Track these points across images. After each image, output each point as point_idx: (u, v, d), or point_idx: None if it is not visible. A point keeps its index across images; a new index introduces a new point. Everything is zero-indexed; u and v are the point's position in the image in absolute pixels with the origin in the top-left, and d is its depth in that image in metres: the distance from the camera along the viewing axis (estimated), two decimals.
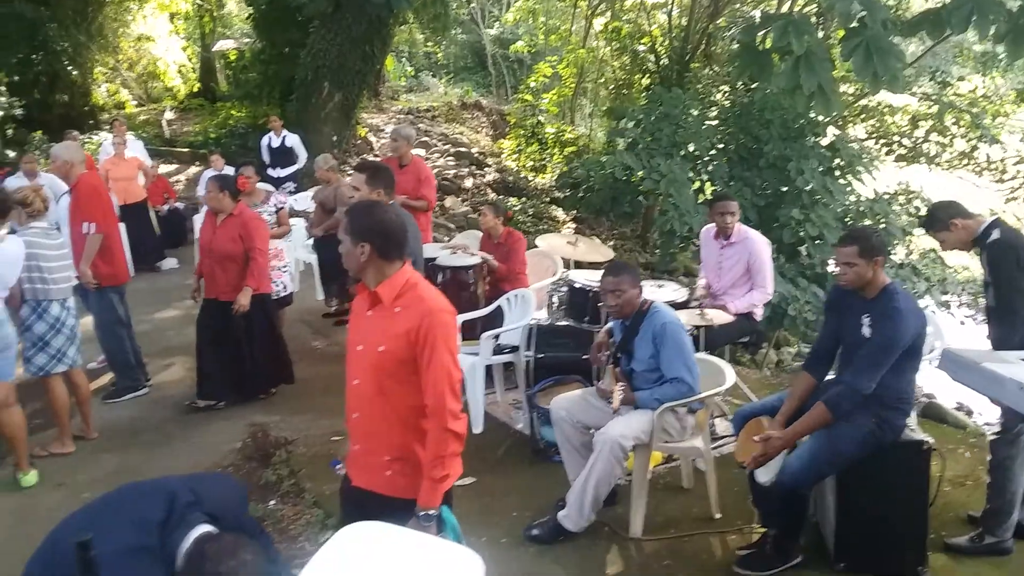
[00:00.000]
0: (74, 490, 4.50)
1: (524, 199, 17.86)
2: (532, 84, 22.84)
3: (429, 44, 29.45)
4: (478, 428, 5.08)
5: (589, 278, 5.36)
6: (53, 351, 4.80)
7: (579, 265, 6.20)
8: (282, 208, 6.61)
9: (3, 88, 14.83)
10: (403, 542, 2.25)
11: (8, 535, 4.12)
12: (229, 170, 9.73)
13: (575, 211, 16.37)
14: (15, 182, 7.69)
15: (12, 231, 6.07)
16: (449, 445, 2.56)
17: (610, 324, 4.33)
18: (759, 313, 5.31)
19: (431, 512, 2.57)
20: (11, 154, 14.17)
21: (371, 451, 2.72)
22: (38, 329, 4.75)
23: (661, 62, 19.35)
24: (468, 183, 18.39)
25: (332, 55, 12.43)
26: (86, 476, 4.66)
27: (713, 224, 5.35)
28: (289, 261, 6.72)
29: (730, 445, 4.62)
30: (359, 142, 18.17)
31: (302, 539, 3.94)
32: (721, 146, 11.65)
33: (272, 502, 4.33)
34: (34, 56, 14.85)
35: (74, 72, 16.88)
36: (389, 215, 2.70)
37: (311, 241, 7.67)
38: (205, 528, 2.42)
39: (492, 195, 18.06)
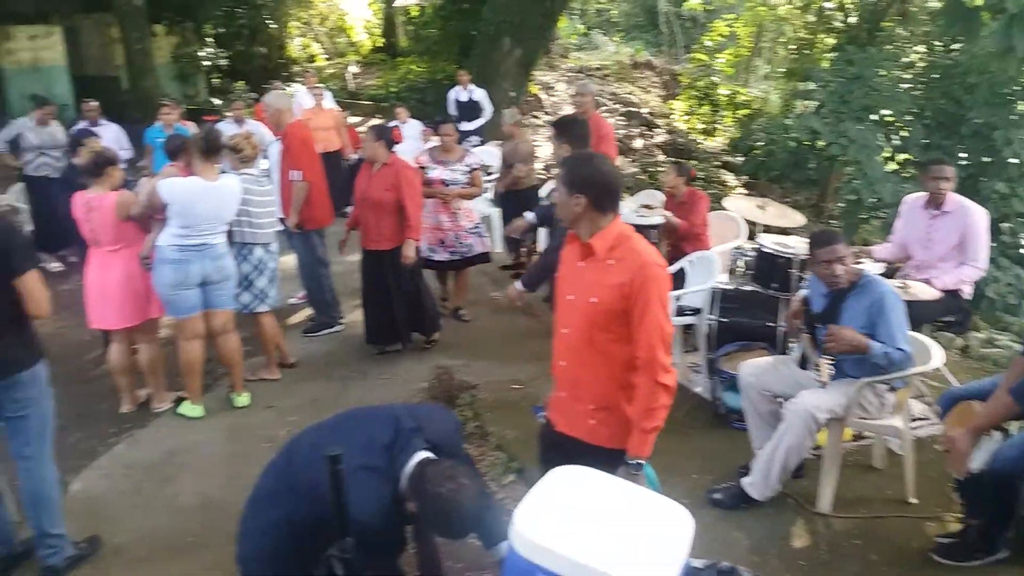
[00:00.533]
0: (281, 412, 4.90)
1: (694, 162, 17.41)
2: (707, 43, 22.05)
3: (601, 1, 29.00)
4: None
5: (779, 243, 5.18)
6: (256, 291, 5.18)
7: (767, 230, 5.99)
8: (476, 169, 6.25)
9: (211, 39, 15.95)
10: (614, 489, 2.30)
11: (225, 449, 4.55)
12: (415, 124, 10.13)
13: (747, 176, 15.81)
14: (225, 127, 8.31)
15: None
16: (660, 398, 2.60)
17: (804, 292, 4.16)
18: (967, 291, 4.96)
19: (640, 460, 2.64)
20: (216, 102, 15.31)
21: (576, 399, 2.79)
22: (243, 269, 5.12)
23: (849, 20, 18.15)
24: (637, 144, 18.14)
25: (513, 10, 12.49)
26: (291, 401, 5.05)
27: (920, 193, 5.02)
28: (480, 222, 6.42)
29: (929, 428, 4.38)
30: (530, 99, 18.29)
31: (486, 479, 4.10)
32: (916, 111, 10.87)
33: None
34: (238, 10, 15.86)
35: (272, 26, 17.91)
36: (605, 166, 2.71)
37: (491, 195, 7.82)
38: (426, 454, 2.57)
39: (661, 156, 17.74)
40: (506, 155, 7.29)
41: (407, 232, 5.37)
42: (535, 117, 19.07)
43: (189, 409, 4.89)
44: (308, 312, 6.37)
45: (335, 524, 2.13)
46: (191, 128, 8.18)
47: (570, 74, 23.58)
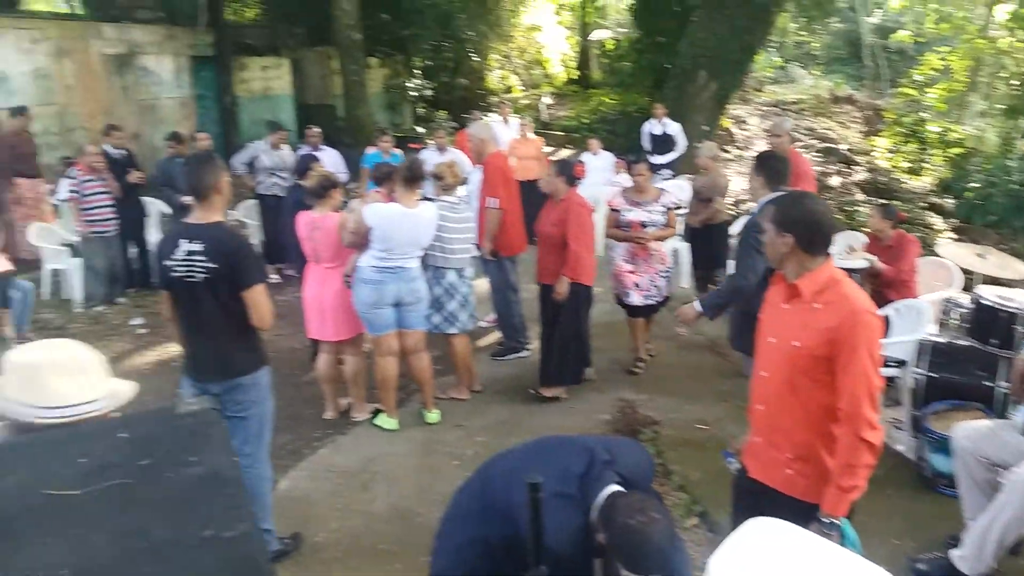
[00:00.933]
0: (469, 432, 5.09)
1: (896, 202, 16.38)
2: (918, 77, 20.75)
3: (801, 33, 28.06)
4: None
5: (1002, 296, 4.79)
6: (446, 313, 5.42)
7: (987, 281, 5.56)
8: (672, 208, 5.94)
9: (418, 72, 16.95)
10: (816, 547, 2.22)
11: (416, 462, 4.79)
12: (606, 155, 10.25)
13: (959, 220, 14.67)
14: (428, 155, 8.81)
15: (425, 199, 6.95)
16: (862, 456, 2.46)
17: None
18: None
19: (834, 520, 2.51)
20: (420, 130, 16.23)
21: (773, 445, 2.70)
22: (435, 292, 5.37)
23: None
24: (834, 181, 17.34)
25: (711, 44, 12.39)
26: (479, 422, 5.24)
27: None
28: (671, 264, 6.15)
29: None
30: (721, 132, 17.98)
31: None
32: None
33: None
34: (445, 44, 16.77)
35: (474, 58, 18.78)
36: (817, 206, 2.63)
37: (682, 230, 7.75)
38: (617, 487, 2.59)
39: (860, 195, 16.85)
40: (702, 189, 7.22)
41: (563, 268, 5.30)
42: (725, 151, 18.71)
43: (385, 421, 5.19)
44: (497, 336, 6.57)
45: (529, 548, 2.20)
46: (400, 155, 8.76)
47: (764, 108, 22.98)
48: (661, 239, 5.89)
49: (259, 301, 3.43)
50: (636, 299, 5.87)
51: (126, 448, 0.81)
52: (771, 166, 4.32)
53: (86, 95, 11.43)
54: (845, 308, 2.48)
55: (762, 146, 15.36)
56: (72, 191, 7.28)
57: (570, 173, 5.41)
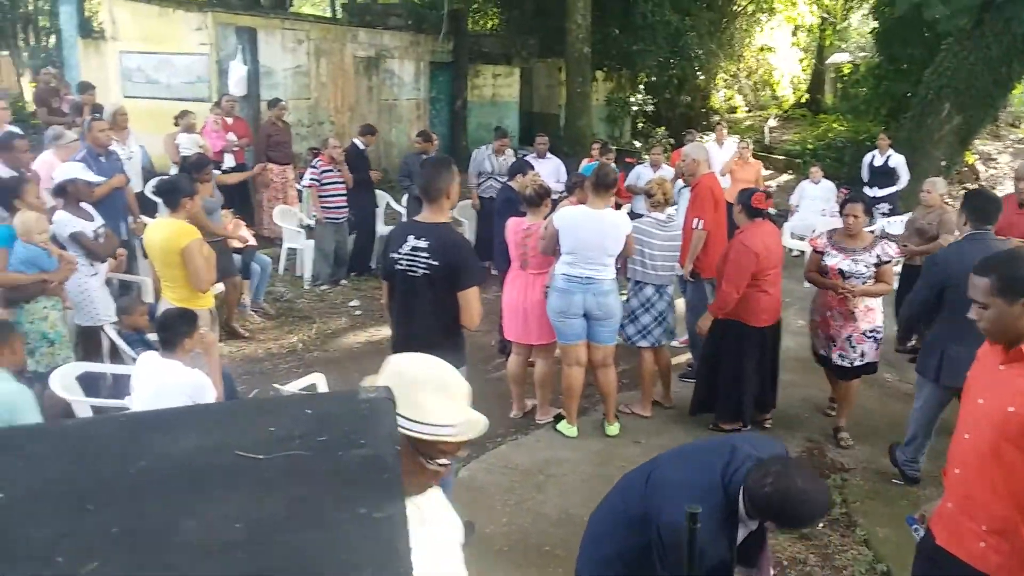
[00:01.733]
0: (647, 449, 5.09)
1: None
2: None
3: None
4: None
5: None
6: (640, 326, 5.45)
7: None
8: (887, 262, 5.00)
9: (641, 87, 17.03)
10: None
11: (590, 470, 4.87)
12: (827, 184, 9.83)
13: None
14: (642, 171, 8.88)
15: (630, 212, 6.99)
16: None
17: None
18: None
19: None
20: (637, 144, 16.31)
21: (967, 514, 2.49)
22: (632, 304, 5.44)
23: None
24: None
25: (961, 75, 11.47)
26: (658, 440, 5.23)
27: None
28: (881, 326, 5.15)
29: None
30: (964, 169, 16.54)
31: (846, 572, 3.88)
32: None
33: (821, 524, 4.32)
34: (672, 60, 16.74)
35: (701, 77, 18.59)
36: None
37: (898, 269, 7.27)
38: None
39: None
40: (923, 226, 6.71)
41: (711, 305, 5.24)
42: (967, 189, 17.21)
43: (566, 427, 5.33)
44: (688, 357, 6.52)
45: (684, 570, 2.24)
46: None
47: (1018, 146, 20.86)
48: (871, 295, 4.99)
49: (472, 302, 3.59)
50: (832, 354, 5.15)
51: (309, 423, 0.96)
52: (977, 205, 4.32)
53: (336, 92, 12.58)
54: None
55: (1010, 186, 13.98)
56: (313, 179, 8.06)
57: (748, 203, 5.07)
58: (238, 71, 10.49)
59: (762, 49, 23.24)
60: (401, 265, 3.60)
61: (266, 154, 9.46)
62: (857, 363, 5.08)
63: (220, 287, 6.18)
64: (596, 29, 15.31)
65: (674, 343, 6.72)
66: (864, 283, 4.94)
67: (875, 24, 16.89)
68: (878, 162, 10.22)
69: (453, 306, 3.60)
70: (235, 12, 11.58)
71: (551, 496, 4.55)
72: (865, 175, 10.31)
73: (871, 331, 5.04)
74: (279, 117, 9.70)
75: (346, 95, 12.76)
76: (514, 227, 5.29)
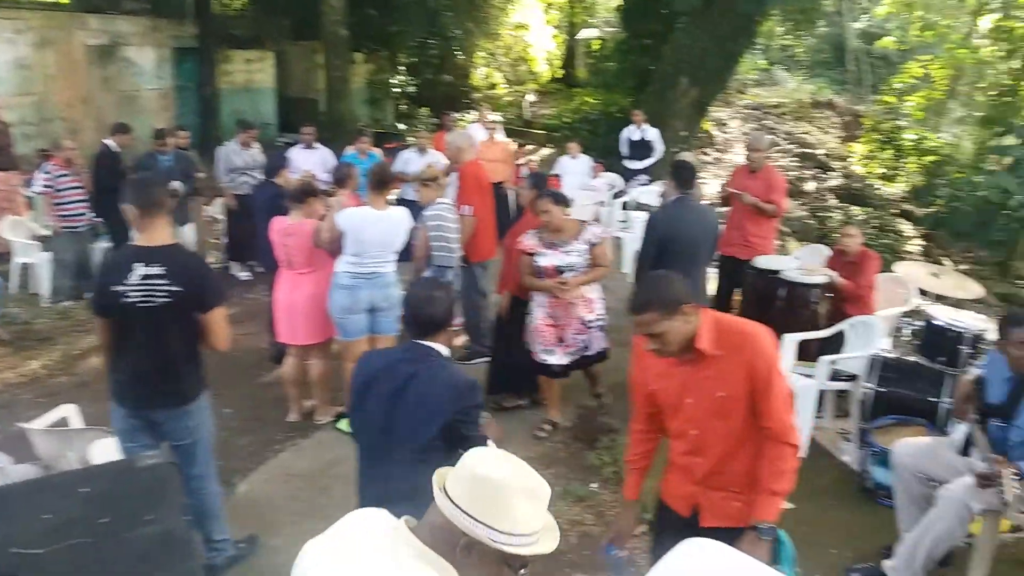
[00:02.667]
0: None
1: (869, 209, 16.69)
2: (897, 85, 21.05)
3: (787, 37, 28.30)
4: (802, 452, 4.99)
5: (953, 318, 5.00)
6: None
7: (940, 300, 5.77)
8: (598, 243, 4.92)
9: (403, 68, 16.99)
10: (748, 566, 2.22)
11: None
12: (584, 159, 10.43)
13: (926, 230, 14.99)
14: (409, 156, 8.91)
15: (399, 201, 7.05)
16: (789, 460, 2.59)
17: (978, 372, 3.98)
18: None
19: (771, 526, 2.58)
20: (401, 126, 16.29)
21: (718, 488, 2.72)
22: None
23: None
24: (809, 186, 17.61)
25: (695, 51, 12.54)
26: None
27: None
28: (605, 314, 5.15)
29: None
30: (701, 135, 18.17)
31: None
32: None
33: (594, 484, 4.66)
34: (430, 40, 16.82)
35: (460, 56, 18.84)
36: (674, 284, 2.57)
37: None
38: None
39: (834, 200, 17.12)
40: (714, 218, 7.34)
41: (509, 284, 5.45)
42: (705, 154, 18.92)
43: (347, 425, 5.29)
44: (464, 339, 6.70)
45: None
46: (378, 155, 8.86)
47: (746, 111, 23.22)
48: (586, 283, 4.94)
49: (219, 323, 3.41)
50: (559, 359, 5.05)
51: (88, 505, 0.93)
52: (679, 174, 5.43)
53: (66, 85, 11.44)
54: (745, 341, 2.56)
55: (741, 150, 15.57)
56: (46, 185, 7.33)
57: (543, 187, 5.34)
58: None
59: (517, 27, 23.96)
60: (131, 297, 3.23)
61: None
62: (587, 354, 5.11)
63: None
64: (352, 10, 15.01)
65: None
66: (582, 272, 4.90)
67: (619, 1, 17.96)
68: (635, 136, 10.97)
69: (197, 332, 3.41)
70: None
71: (337, 498, 4.46)
72: (624, 149, 11.04)
73: (593, 320, 5.04)
74: None
75: (78, 88, 11.65)
76: (277, 226, 5.17)
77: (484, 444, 2.67)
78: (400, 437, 2.66)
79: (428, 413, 2.64)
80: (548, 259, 4.88)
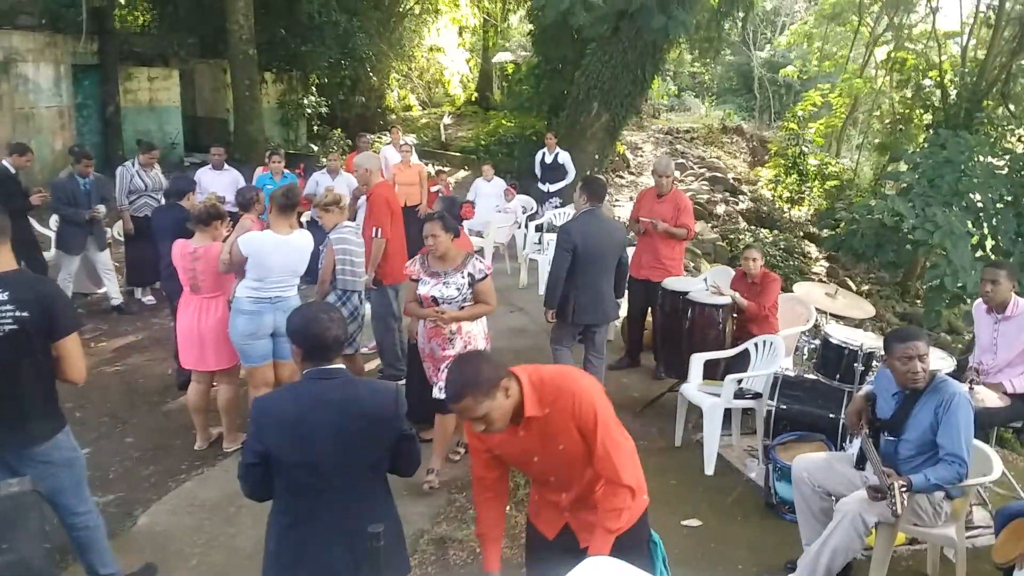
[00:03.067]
0: None
1: (776, 231, 17.32)
2: (799, 112, 22.01)
3: (696, 65, 29.27)
4: (710, 470, 5.10)
5: (848, 336, 5.17)
6: (347, 335, 5.45)
7: (836, 318, 5.98)
8: (481, 279, 4.58)
9: (314, 88, 16.78)
10: None
11: None
12: (499, 181, 10.44)
13: (829, 251, 15.63)
14: (320, 178, 8.77)
15: (301, 226, 6.93)
16: (625, 499, 2.64)
17: (868, 388, 4.12)
18: None
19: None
20: (314, 148, 16.05)
21: (588, 512, 2.80)
22: (342, 313, 5.40)
23: (948, 99, 17.92)
24: (720, 209, 18.14)
25: (605, 77, 12.79)
26: None
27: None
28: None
29: (987, 538, 4.28)
30: (616, 158, 18.53)
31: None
32: (1010, 199, 10.62)
33: (508, 507, 4.62)
34: (343, 62, 16.68)
35: (373, 77, 18.75)
36: (484, 364, 2.53)
37: None
38: None
39: (743, 223, 17.69)
40: (622, 230, 7.43)
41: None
42: (620, 177, 19.31)
43: None
44: (377, 363, 6.61)
45: None
46: (292, 176, 8.70)
47: (659, 135, 23.82)
48: (460, 319, 4.60)
49: (73, 351, 3.17)
50: (438, 391, 4.70)
51: None
52: (590, 189, 5.68)
53: None
54: (563, 395, 2.59)
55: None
56: None
57: (456, 214, 5.27)
58: None
59: (431, 49, 24.06)
60: None
61: None
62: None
63: None
64: (261, 29, 14.79)
65: (363, 350, 6.79)
66: (461, 307, 4.59)
67: (531, 27, 18.25)
68: (548, 159, 11.12)
69: (48, 364, 3.14)
70: None
71: (245, 527, 4.36)
72: (538, 171, 11.17)
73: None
74: None
75: None
76: (181, 250, 4.99)
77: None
78: (351, 461, 2.60)
79: (382, 428, 2.64)
80: (427, 287, 4.61)
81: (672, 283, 6.24)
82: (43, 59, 12.39)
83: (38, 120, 12.35)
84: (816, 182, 19.92)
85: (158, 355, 6.70)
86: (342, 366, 2.71)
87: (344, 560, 2.61)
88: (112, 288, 8.02)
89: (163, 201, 7.01)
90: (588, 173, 11.04)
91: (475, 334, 4.71)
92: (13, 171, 7.32)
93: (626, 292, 6.56)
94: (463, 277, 4.56)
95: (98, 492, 4.69)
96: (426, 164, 14.84)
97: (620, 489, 2.63)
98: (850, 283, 15.40)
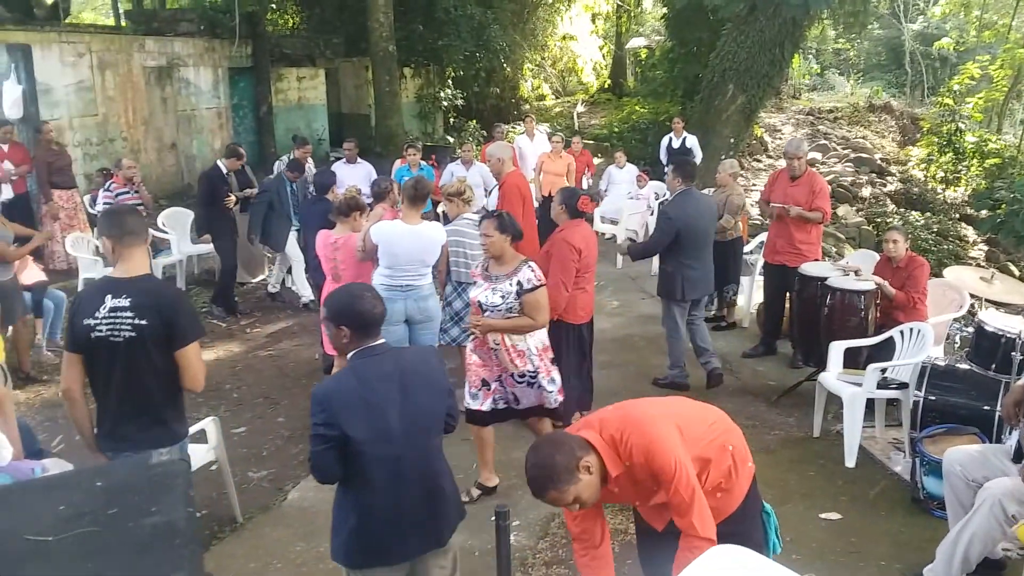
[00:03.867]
0: (474, 446, 5.21)
1: (929, 214, 16.30)
2: (955, 87, 20.56)
3: (840, 41, 27.87)
4: (851, 462, 4.91)
5: (1005, 323, 4.85)
6: (465, 325, 5.56)
7: (993, 304, 5.62)
8: (530, 290, 4.16)
9: (450, 81, 17.18)
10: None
11: None
12: (631, 168, 10.41)
13: (987, 234, 14.55)
14: (455, 169, 9.02)
15: (437, 217, 7.14)
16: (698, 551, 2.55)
17: None
18: None
19: None
20: (450, 139, 16.46)
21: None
22: (456, 305, 5.56)
23: None
24: (866, 191, 17.27)
25: (741, 57, 12.45)
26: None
27: None
28: (534, 369, 4.31)
29: None
30: (753, 142, 17.97)
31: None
32: None
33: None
34: (478, 54, 16.99)
35: (507, 68, 19.00)
36: (558, 453, 2.54)
37: None
38: None
39: (892, 206, 16.75)
40: (716, 205, 7.30)
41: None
42: (757, 160, 18.72)
43: None
44: None
45: None
46: (430, 168, 9.00)
47: (799, 116, 22.88)
48: (495, 330, 4.21)
49: (193, 361, 3.12)
50: (481, 402, 4.38)
51: (100, 497, 0.98)
52: (681, 171, 5.99)
53: (126, 106, 11.86)
54: (635, 452, 2.56)
55: None
56: (107, 203, 7.60)
57: (573, 204, 5.00)
58: (12, 92, 9.64)
59: (564, 38, 24.08)
60: (101, 331, 3.00)
61: (49, 181, 8.78)
62: (516, 407, 4.41)
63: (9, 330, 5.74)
64: (400, 26, 15.28)
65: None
66: (505, 316, 4.19)
67: (665, 10, 17.94)
68: (675, 144, 10.97)
69: (171, 370, 3.12)
70: (3, 27, 10.64)
71: None
72: (664, 157, 11.04)
73: (523, 376, 4.28)
74: (49, 141, 8.97)
75: (138, 108, 12.05)
76: (323, 240, 5.27)
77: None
78: (419, 425, 2.75)
79: (437, 388, 2.83)
80: (477, 291, 4.33)
81: (809, 268, 6.03)
82: (202, 63, 13.31)
83: (199, 121, 13.29)
84: (974, 160, 18.57)
85: (306, 341, 7.11)
86: (383, 340, 2.82)
87: (428, 513, 2.80)
88: (275, 277, 8.56)
89: (313, 195, 7.44)
90: (722, 158, 10.77)
91: (525, 349, 4.25)
92: (225, 171, 7.97)
93: (761, 278, 6.41)
94: (511, 285, 4.17)
95: (253, 468, 5.07)
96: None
97: (698, 542, 2.57)
98: (1012, 268, 14.29)
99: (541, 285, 4.23)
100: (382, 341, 2.81)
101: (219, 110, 13.71)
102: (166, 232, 8.67)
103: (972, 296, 5.79)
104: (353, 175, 8.60)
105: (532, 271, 4.22)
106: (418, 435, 2.74)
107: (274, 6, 16.80)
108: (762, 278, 7.04)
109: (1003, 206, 11.18)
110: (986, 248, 15.43)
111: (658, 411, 2.73)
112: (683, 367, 6.11)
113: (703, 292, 6.08)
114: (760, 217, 10.90)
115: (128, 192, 7.66)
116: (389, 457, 2.68)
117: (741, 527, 2.74)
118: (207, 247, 8.28)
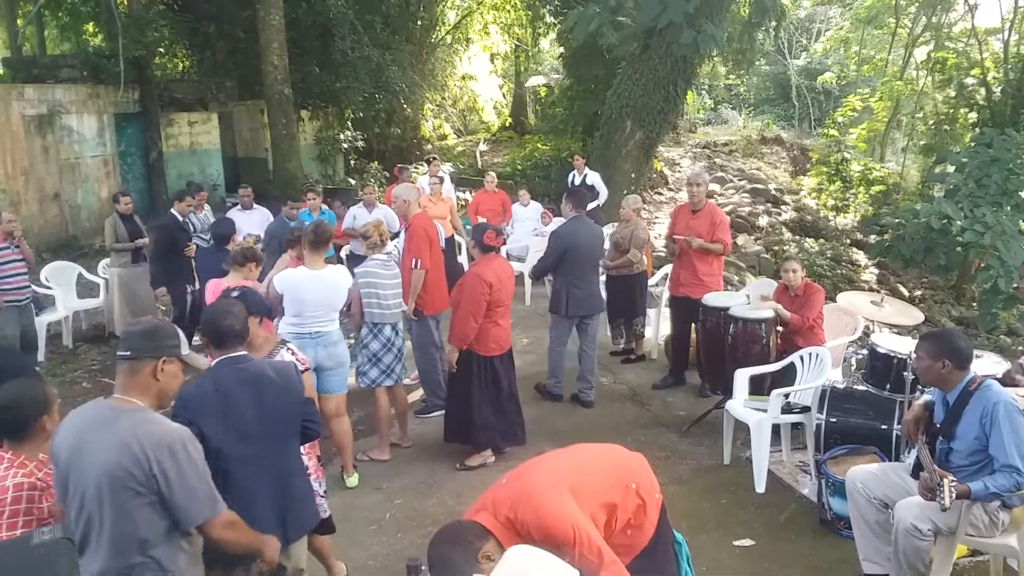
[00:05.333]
0: (388, 494, 5.08)
1: (823, 240, 17.00)
2: (839, 118, 21.67)
3: (731, 77, 29.07)
4: (760, 488, 4.96)
5: (895, 345, 5.02)
6: (384, 367, 5.46)
7: (887, 326, 5.81)
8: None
9: (349, 123, 17.02)
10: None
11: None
12: (535, 206, 10.46)
13: (876, 258, 15.28)
14: (357, 212, 8.85)
15: (340, 261, 6.97)
16: None
17: (929, 397, 3.97)
18: None
19: None
20: (352, 181, 16.26)
21: None
22: (373, 347, 5.43)
23: (993, 96, 17.47)
24: (763, 221, 17.89)
25: (636, 94, 12.73)
26: (399, 482, 5.23)
27: None
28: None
29: None
30: (654, 175, 18.42)
31: None
32: None
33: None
34: (377, 95, 16.91)
35: (407, 109, 18.97)
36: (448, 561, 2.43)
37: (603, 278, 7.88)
38: None
39: (788, 234, 17.40)
40: (619, 239, 7.39)
41: (449, 336, 5.38)
42: (659, 193, 19.20)
43: (355, 480, 5.21)
44: (421, 393, 6.59)
45: None
46: (331, 212, 8.79)
47: (696, 149, 23.66)
48: None
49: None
50: None
51: None
52: (573, 199, 6.56)
53: (4, 156, 11.25)
54: (538, 531, 2.53)
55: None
56: None
57: (480, 239, 5.36)
58: None
59: (464, 78, 24.29)
60: None
61: None
62: None
63: None
64: (296, 68, 15.08)
65: (406, 380, 6.77)
66: None
67: (562, 49, 18.28)
68: (577, 181, 11.05)
69: None
70: None
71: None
72: None
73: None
74: None
75: (17, 159, 11.45)
76: (213, 289, 5.05)
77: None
78: (273, 426, 3.04)
79: (291, 394, 3.12)
80: None
81: (712, 299, 6.13)
82: (86, 110, 12.79)
83: (84, 169, 12.72)
84: (861, 188, 19.56)
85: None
86: (245, 352, 3.12)
87: (280, 509, 3.09)
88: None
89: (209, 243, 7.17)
90: (625, 192, 10.97)
91: None
92: (181, 218, 7.71)
93: (668, 310, 6.51)
94: None
95: None
96: (463, 192, 14.94)
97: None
98: (902, 289, 15.02)
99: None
100: (243, 353, 3.09)
101: (105, 157, 13.16)
102: (50, 287, 8.18)
103: (866, 319, 5.98)
104: (249, 221, 8.33)
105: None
106: (271, 436, 3.03)
107: (161, 50, 16.32)
108: (668, 310, 7.12)
109: (889, 231, 11.71)
110: (877, 271, 16.18)
111: (549, 479, 2.67)
112: (560, 380, 6.57)
113: (588, 311, 6.43)
114: (664, 251, 11.11)
115: (8, 248, 7.19)
116: (247, 456, 2.96)
117: (653, 561, 2.74)
118: (96, 301, 7.84)
